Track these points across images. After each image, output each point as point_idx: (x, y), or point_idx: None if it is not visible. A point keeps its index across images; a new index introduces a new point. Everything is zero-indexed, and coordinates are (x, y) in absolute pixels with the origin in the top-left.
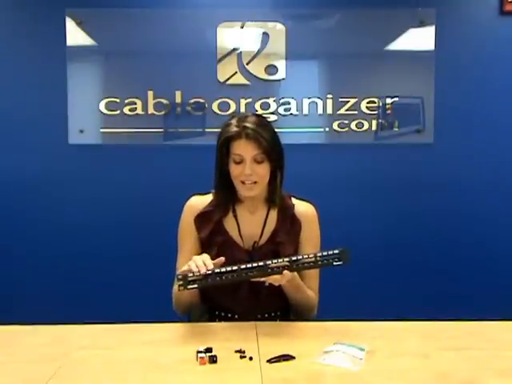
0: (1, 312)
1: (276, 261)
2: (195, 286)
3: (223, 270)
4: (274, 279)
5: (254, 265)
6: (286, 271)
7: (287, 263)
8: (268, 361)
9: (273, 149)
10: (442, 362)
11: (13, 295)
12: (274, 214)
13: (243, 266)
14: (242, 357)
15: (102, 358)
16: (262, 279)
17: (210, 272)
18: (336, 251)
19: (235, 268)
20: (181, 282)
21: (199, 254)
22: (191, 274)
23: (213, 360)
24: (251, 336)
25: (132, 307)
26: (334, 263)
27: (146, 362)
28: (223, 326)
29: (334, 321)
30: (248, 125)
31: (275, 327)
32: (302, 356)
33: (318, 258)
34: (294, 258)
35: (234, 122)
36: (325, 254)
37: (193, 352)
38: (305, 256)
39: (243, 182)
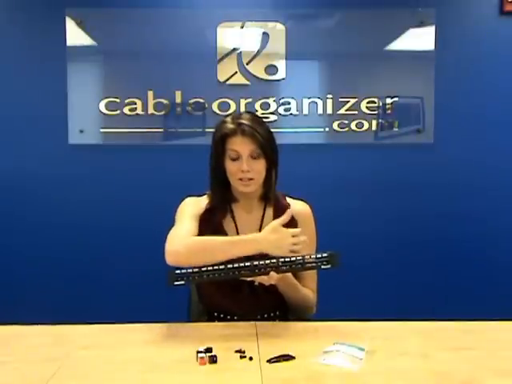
0: (1, 312)
1: (264, 262)
2: (182, 282)
3: (210, 268)
4: (262, 279)
5: (242, 264)
6: (272, 272)
7: (275, 264)
8: (268, 361)
9: (268, 145)
10: (442, 362)
11: (13, 295)
12: (270, 213)
13: (230, 266)
14: (241, 357)
15: (102, 358)
16: (250, 279)
17: (197, 270)
18: (325, 254)
19: (222, 267)
20: (168, 277)
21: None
22: (178, 271)
23: (213, 360)
24: (251, 336)
25: (132, 307)
26: (322, 266)
27: (145, 361)
28: (223, 325)
29: (334, 321)
30: (243, 121)
31: (275, 327)
32: (301, 356)
33: (306, 261)
34: (281, 260)
35: (228, 119)
36: (313, 256)
37: (193, 352)
38: (293, 258)
39: (240, 179)
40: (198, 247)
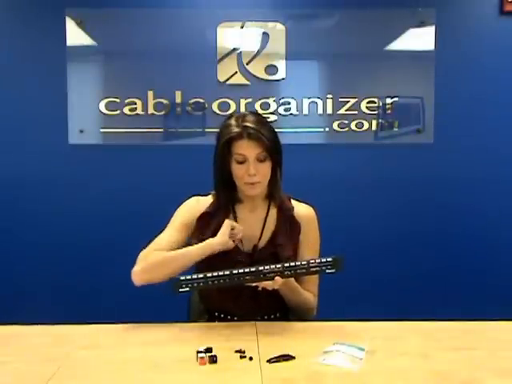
0: (1, 312)
1: (269, 267)
2: (187, 289)
3: (215, 274)
4: (266, 284)
5: (247, 270)
6: (277, 277)
7: (280, 269)
8: (268, 361)
9: (274, 146)
10: (442, 362)
11: (13, 295)
12: (273, 214)
13: (235, 271)
14: (241, 357)
15: (102, 358)
16: (254, 284)
17: (202, 276)
18: (329, 259)
19: (227, 272)
20: (173, 285)
21: (180, 243)
22: (183, 278)
23: (213, 360)
24: (251, 336)
25: (132, 307)
26: (327, 271)
27: (146, 361)
28: (223, 325)
29: (334, 321)
30: (248, 124)
31: (275, 327)
32: (301, 356)
33: (311, 265)
34: (286, 265)
35: (233, 122)
36: (318, 261)
37: (193, 352)
38: (297, 263)
39: (246, 183)
40: (151, 263)
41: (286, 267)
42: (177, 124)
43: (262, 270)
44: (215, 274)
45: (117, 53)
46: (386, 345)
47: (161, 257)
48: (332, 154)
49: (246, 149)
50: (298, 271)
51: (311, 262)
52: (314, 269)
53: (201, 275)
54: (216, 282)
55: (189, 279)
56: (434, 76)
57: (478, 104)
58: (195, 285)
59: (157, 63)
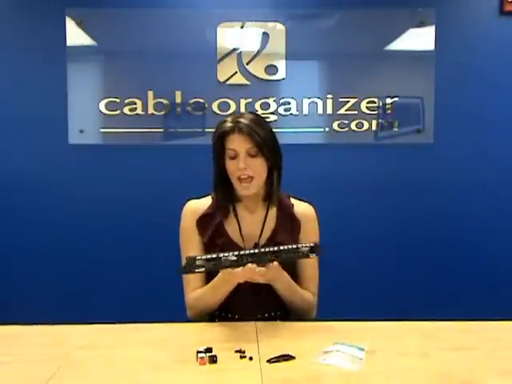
0: (1, 312)
1: (249, 251)
2: (202, 269)
3: (226, 254)
4: (259, 271)
5: (256, 251)
6: (275, 262)
7: (263, 253)
8: (268, 361)
9: (266, 144)
10: (442, 362)
11: (13, 295)
12: (273, 213)
13: (242, 252)
14: (241, 357)
15: (102, 358)
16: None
17: (215, 256)
18: (311, 245)
19: (236, 253)
20: (185, 265)
21: None
22: (199, 257)
23: (213, 360)
24: (251, 336)
25: (132, 307)
26: (310, 255)
27: (146, 362)
28: (223, 325)
29: (334, 321)
30: (242, 120)
31: (275, 327)
32: (301, 356)
33: (291, 250)
34: (268, 249)
35: (229, 118)
36: (299, 245)
37: (193, 352)
38: (281, 247)
39: (240, 179)
40: (195, 308)
41: (269, 251)
42: (177, 124)
43: (256, 253)
44: (226, 254)
45: (117, 53)
46: (385, 345)
47: (194, 309)
48: (332, 154)
49: (237, 143)
50: (284, 255)
51: (292, 246)
52: (296, 254)
53: (213, 255)
54: (228, 264)
55: (199, 259)
56: (434, 76)
57: (478, 104)
58: (207, 265)
59: (157, 63)
